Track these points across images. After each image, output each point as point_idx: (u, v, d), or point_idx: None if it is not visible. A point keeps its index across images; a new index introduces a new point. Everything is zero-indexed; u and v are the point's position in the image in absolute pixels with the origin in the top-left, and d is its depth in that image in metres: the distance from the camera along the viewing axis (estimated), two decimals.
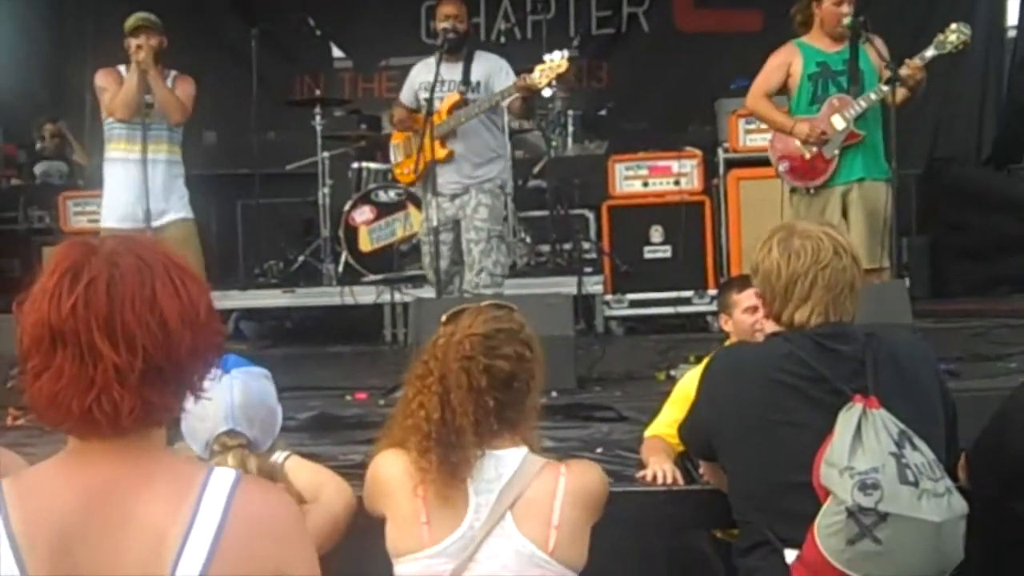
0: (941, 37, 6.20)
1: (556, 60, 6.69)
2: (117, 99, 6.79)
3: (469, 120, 6.92)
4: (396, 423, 3.07)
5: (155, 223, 6.80)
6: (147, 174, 6.75)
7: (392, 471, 3.01)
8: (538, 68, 6.71)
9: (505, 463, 2.95)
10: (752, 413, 3.06)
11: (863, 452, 2.83)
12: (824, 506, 2.85)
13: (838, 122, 6.25)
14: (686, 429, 3.44)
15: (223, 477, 1.83)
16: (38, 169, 10.66)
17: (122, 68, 6.85)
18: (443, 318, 3.11)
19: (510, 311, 3.11)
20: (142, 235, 1.96)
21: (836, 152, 6.28)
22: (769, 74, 6.50)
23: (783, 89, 6.53)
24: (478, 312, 3.06)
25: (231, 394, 2.93)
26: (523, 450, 3.00)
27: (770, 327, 3.23)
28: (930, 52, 6.21)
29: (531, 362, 3.02)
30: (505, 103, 6.97)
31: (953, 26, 6.21)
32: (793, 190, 6.47)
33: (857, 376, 3.00)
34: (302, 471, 3.24)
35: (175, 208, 6.97)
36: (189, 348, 1.82)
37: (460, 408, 2.92)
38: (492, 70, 7.07)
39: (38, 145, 10.76)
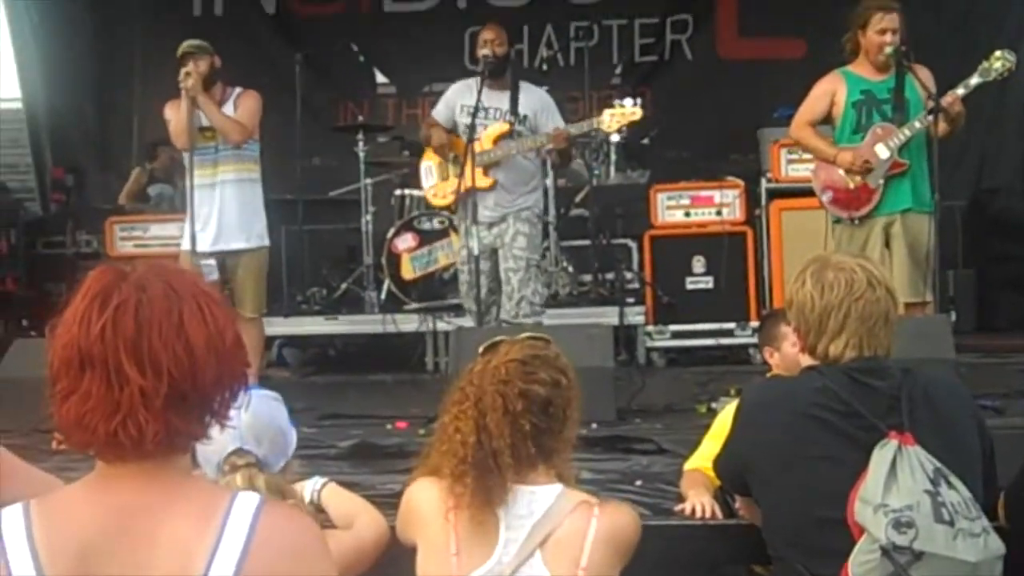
0: (986, 64, 6.17)
1: (629, 108, 6.72)
2: (174, 131, 6.90)
3: (517, 153, 6.94)
4: (433, 450, 3.08)
5: (228, 246, 6.90)
6: (214, 197, 6.86)
7: (425, 500, 3.01)
8: (608, 112, 6.74)
9: (538, 499, 2.94)
10: (785, 448, 3.04)
11: (898, 489, 2.80)
12: (858, 543, 2.82)
13: (882, 151, 6.22)
14: (720, 463, 3.42)
15: (247, 501, 1.85)
16: (152, 191, 10.69)
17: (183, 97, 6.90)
18: (480, 349, 3.13)
19: (547, 342, 3.12)
20: (172, 262, 1.98)
21: (880, 181, 6.24)
22: (813, 102, 6.47)
23: (827, 118, 6.50)
24: (515, 343, 3.07)
25: (238, 414, 2.94)
26: (558, 487, 2.99)
27: (804, 360, 3.21)
28: (974, 80, 6.18)
29: (567, 390, 3.02)
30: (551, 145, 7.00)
31: (997, 53, 6.18)
32: (837, 220, 6.43)
33: (892, 412, 2.97)
34: (338, 499, 3.25)
35: (254, 235, 7.04)
36: (214, 375, 1.85)
37: (496, 431, 2.92)
38: (539, 107, 7.10)
39: (147, 166, 10.81)
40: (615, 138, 7.45)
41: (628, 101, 6.82)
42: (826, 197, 6.43)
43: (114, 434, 1.79)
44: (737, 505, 3.59)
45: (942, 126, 6.11)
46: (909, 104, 6.27)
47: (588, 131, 6.95)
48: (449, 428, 3.02)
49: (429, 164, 7.49)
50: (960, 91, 6.12)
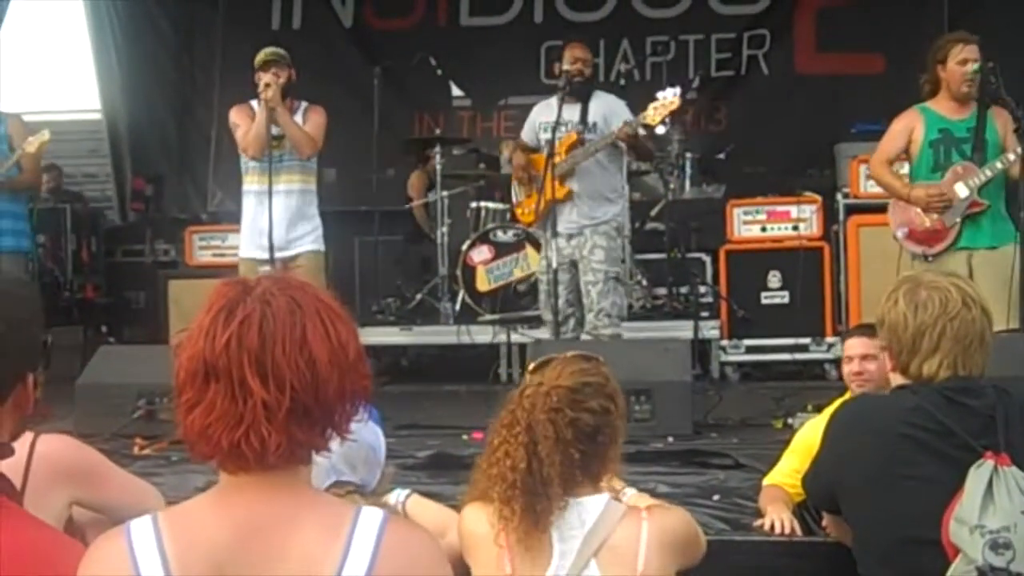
0: None
1: (669, 98, 6.72)
2: (247, 137, 6.88)
3: (586, 159, 6.97)
4: (480, 471, 3.07)
5: (285, 252, 6.87)
6: (273, 205, 6.82)
7: (476, 525, 3.01)
8: (651, 106, 6.75)
9: (587, 510, 2.93)
10: (878, 467, 3.02)
11: (995, 510, 2.78)
12: (953, 564, 2.81)
13: (961, 190, 6.14)
14: (809, 480, 3.40)
15: (372, 515, 1.88)
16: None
17: (255, 103, 6.92)
18: (530, 367, 3.13)
19: (597, 363, 3.09)
20: (295, 276, 1.99)
21: (957, 220, 6.16)
22: (891, 139, 6.40)
23: (906, 154, 6.44)
24: (565, 363, 3.05)
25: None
26: (604, 496, 2.99)
27: (897, 380, 3.19)
28: None
29: (615, 416, 3.01)
30: (622, 143, 6.99)
31: None
32: (914, 256, 6.37)
33: (987, 432, 2.94)
34: (425, 511, 3.27)
35: (307, 239, 7.01)
36: (336, 389, 1.87)
37: (548, 459, 2.91)
38: (609, 110, 7.12)
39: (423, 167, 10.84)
40: (660, 130, 7.42)
41: (669, 91, 6.81)
42: (901, 233, 6.35)
43: (237, 445, 1.82)
44: (824, 523, 3.57)
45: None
46: (988, 145, 6.17)
47: (636, 129, 6.90)
48: (499, 452, 3.00)
49: (516, 184, 7.56)
50: None
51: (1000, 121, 6.15)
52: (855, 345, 4.51)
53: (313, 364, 1.84)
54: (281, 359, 1.82)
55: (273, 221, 6.81)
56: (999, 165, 6.10)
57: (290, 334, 1.84)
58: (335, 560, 1.82)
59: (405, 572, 1.85)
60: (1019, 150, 6.02)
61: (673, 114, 6.97)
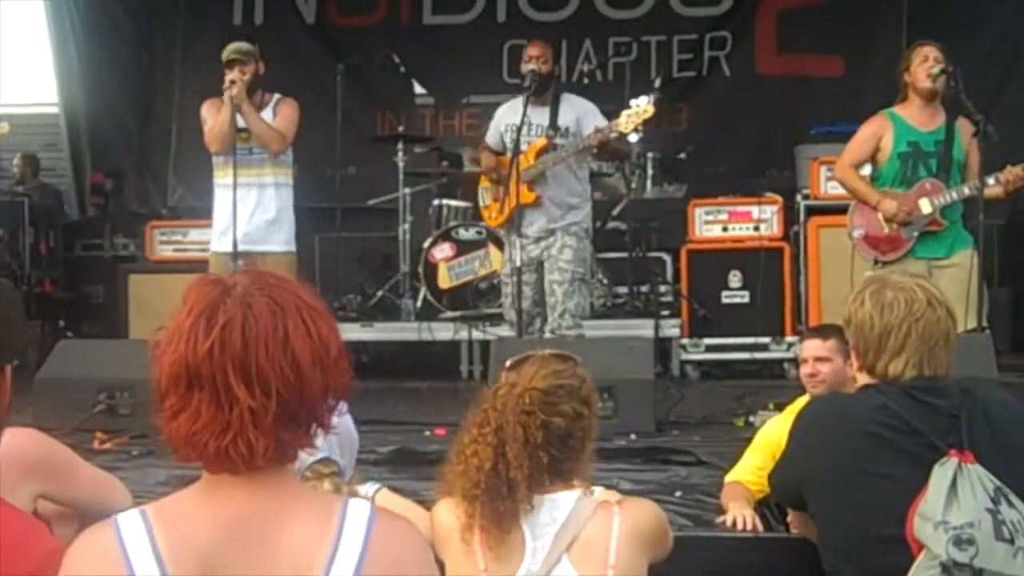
0: None
1: (643, 106, 6.72)
2: (211, 133, 6.84)
3: (557, 165, 6.97)
4: (450, 467, 3.09)
5: (254, 247, 6.82)
6: (243, 199, 6.82)
7: (449, 520, 3.02)
8: (624, 113, 6.76)
9: (559, 506, 2.96)
10: (845, 464, 3.06)
11: (958, 507, 2.83)
12: (918, 560, 2.84)
13: (925, 206, 6.19)
14: (776, 477, 3.44)
15: (360, 510, 1.88)
16: None
17: (224, 102, 6.84)
18: (507, 364, 3.14)
19: (573, 364, 3.11)
20: (274, 272, 1.98)
21: (915, 235, 6.24)
22: (859, 144, 6.44)
23: (872, 160, 6.49)
24: (540, 364, 3.06)
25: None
26: (575, 492, 3.01)
27: (863, 379, 3.23)
28: None
29: (587, 419, 3.03)
30: (594, 149, 7.01)
31: None
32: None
33: (952, 431, 2.99)
34: (393, 504, 3.27)
35: (279, 239, 6.97)
36: (320, 388, 1.86)
37: (515, 461, 2.93)
38: (580, 114, 7.10)
39: None
40: (633, 137, 7.45)
41: (643, 99, 6.82)
42: (857, 234, 6.41)
43: (224, 451, 1.81)
44: (789, 519, 3.61)
45: (995, 191, 6.13)
46: (953, 162, 6.24)
47: (608, 136, 6.91)
48: (467, 449, 3.03)
49: (485, 186, 7.61)
50: (1019, 170, 6.10)
51: (965, 136, 6.23)
52: (809, 348, 4.56)
53: (297, 365, 1.83)
54: (265, 363, 1.81)
55: (243, 215, 6.79)
56: (966, 191, 6.17)
57: (273, 336, 1.82)
58: (325, 554, 1.82)
59: (394, 564, 1.85)
60: (990, 181, 6.10)
61: (646, 122, 6.97)
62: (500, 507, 2.93)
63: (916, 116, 6.32)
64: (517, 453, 2.94)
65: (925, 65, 6.23)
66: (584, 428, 3.02)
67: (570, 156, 6.99)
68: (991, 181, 6.12)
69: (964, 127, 6.24)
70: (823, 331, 4.57)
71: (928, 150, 6.26)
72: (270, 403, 1.80)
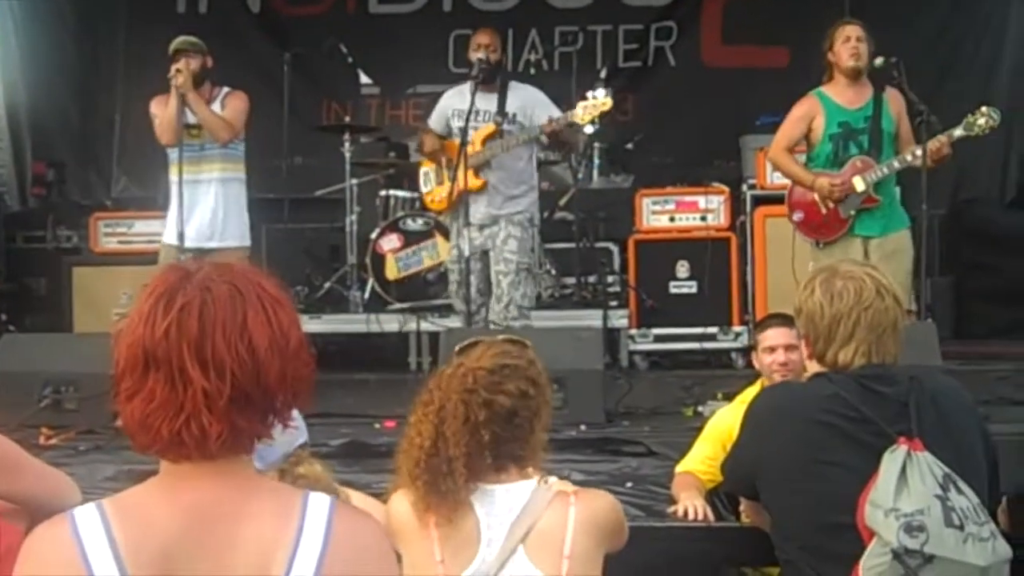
0: (971, 119, 6.22)
1: (600, 98, 6.75)
2: (161, 125, 6.88)
3: (504, 152, 6.98)
4: (399, 450, 3.11)
5: (207, 244, 6.86)
6: (199, 195, 6.89)
7: (404, 512, 3.04)
8: (580, 105, 6.79)
9: (515, 496, 2.97)
10: (796, 453, 3.09)
11: (908, 494, 2.86)
12: (869, 547, 2.88)
13: (859, 184, 6.27)
14: (729, 467, 3.46)
15: (321, 502, 1.88)
16: None
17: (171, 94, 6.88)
18: (456, 348, 3.15)
19: (523, 347, 3.13)
20: (239, 262, 1.98)
21: (852, 213, 6.30)
22: (791, 127, 6.53)
23: (805, 141, 6.56)
24: (489, 346, 3.09)
25: None
26: (532, 483, 3.02)
27: (813, 367, 3.26)
28: (958, 132, 6.23)
29: (535, 399, 3.04)
30: (546, 138, 7.03)
31: (984, 109, 6.23)
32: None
33: (901, 418, 3.02)
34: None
35: (233, 235, 7.04)
36: (278, 376, 1.85)
37: (453, 439, 2.95)
38: (528, 101, 7.13)
39: None
40: (589, 129, 7.49)
41: (600, 92, 6.85)
42: (796, 217, 6.49)
43: (178, 435, 1.80)
44: (742, 508, 3.64)
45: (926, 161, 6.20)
46: (883, 135, 6.33)
47: (563, 126, 6.94)
48: (411, 431, 3.05)
49: (427, 170, 7.59)
50: (943, 138, 6.19)
51: (895, 107, 6.32)
52: (778, 336, 4.56)
53: (254, 352, 1.82)
54: (221, 347, 1.80)
55: (197, 212, 6.88)
56: (896, 165, 6.26)
57: (231, 321, 1.82)
58: (287, 547, 1.81)
59: (356, 558, 1.85)
60: (918, 152, 6.17)
61: (603, 115, 6.99)
62: (441, 486, 2.94)
63: (843, 94, 6.41)
64: (456, 431, 2.95)
65: (848, 45, 6.34)
66: (532, 409, 3.02)
67: (519, 144, 7.01)
68: (918, 152, 6.19)
69: (892, 98, 6.34)
70: (787, 319, 4.55)
71: (858, 127, 6.36)
72: (224, 386, 1.79)
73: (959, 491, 2.89)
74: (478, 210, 7.02)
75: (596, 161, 9.92)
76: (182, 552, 1.80)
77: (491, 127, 7.04)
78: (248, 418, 1.84)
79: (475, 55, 7.09)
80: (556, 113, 6.97)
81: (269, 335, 1.85)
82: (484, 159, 6.99)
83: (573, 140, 7.65)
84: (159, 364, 1.80)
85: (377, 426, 5.94)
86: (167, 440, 1.81)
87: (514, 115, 7.08)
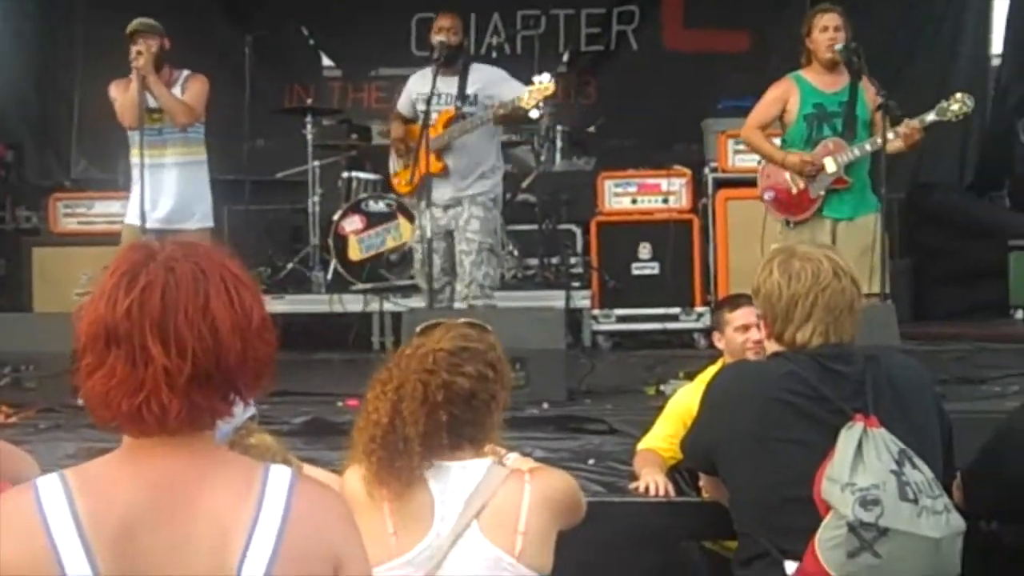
0: (944, 104, 6.23)
1: (544, 83, 6.77)
2: (122, 107, 6.86)
3: (463, 135, 7.00)
4: (355, 426, 3.12)
5: (170, 226, 6.84)
6: (160, 179, 6.88)
7: (356, 486, 3.05)
8: (526, 89, 6.81)
9: (470, 473, 2.99)
10: (753, 430, 3.14)
11: (864, 469, 2.92)
12: (825, 520, 2.93)
13: (829, 165, 6.29)
14: (689, 443, 3.51)
15: (281, 475, 1.89)
16: None
17: (132, 76, 6.85)
18: (417, 330, 3.18)
19: (483, 331, 3.16)
20: (203, 242, 2.00)
21: (821, 193, 6.34)
22: (765, 107, 6.53)
23: (779, 123, 6.59)
24: (449, 328, 3.11)
25: None
26: (487, 460, 3.05)
27: (771, 347, 3.30)
28: (931, 117, 6.24)
29: (494, 383, 3.06)
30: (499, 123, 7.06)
31: (958, 95, 6.24)
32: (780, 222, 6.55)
33: (857, 396, 3.08)
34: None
35: (196, 217, 7.03)
36: (239, 355, 1.86)
37: (411, 418, 2.96)
38: (488, 81, 7.15)
39: None
40: (535, 114, 7.53)
41: (545, 76, 6.85)
42: (768, 196, 6.52)
43: (138, 411, 1.81)
44: (701, 483, 3.68)
45: (896, 145, 6.22)
46: (858, 121, 6.36)
47: (510, 111, 6.97)
48: (368, 407, 3.06)
49: (394, 155, 7.56)
50: (916, 123, 6.23)
51: (870, 95, 6.34)
52: (750, 314, 4.55)
53: (215, 331, 1.83)
54: (183, 325, 1.82)
55: (158, 195, 6.87)
56: (868, 148, 6.28)
57: (193, 301, 1.83)
58: (247, 520, 1.83)
59: (316, 531, 1.87)
60: (889, 136, 6.21)
61: (547, 99, 7.02)
62: (396, 463, 2.96)
63: (820, 78, 6.43)
64: (414, 410, 2.97)
65: (825, 35, 6.34)
66: (490, 392, 3.04)
67: (477, 127, 7.03)
68: (891, 136, 6.23)
69: (870, 88, 6.36)
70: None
71: (833, 110, 6.37)
72: (185, 364, 1.81)
73: (914, 466, 2.95)
74: (441, 192, 7.03)
75: (559, 144, 9.92)
76: (143, 523, 1.82)
77: (451, 111, 7.05)
78: (208, 396, 1.85)
79: (436, 38, 7.10)
80: (517, 87, 6.99)
81: (231, 315, 1.86)
82: (443, 143, 7.00)
83: (524, 120, 7.69)
84: (120, 341, 1.81)
85: (340, 404, 5.94)
86: (127, 416, 1.82)
87: (475, 96, 7.09)
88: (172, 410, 1.82)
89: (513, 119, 7.27)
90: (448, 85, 7.10)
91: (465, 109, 7.08)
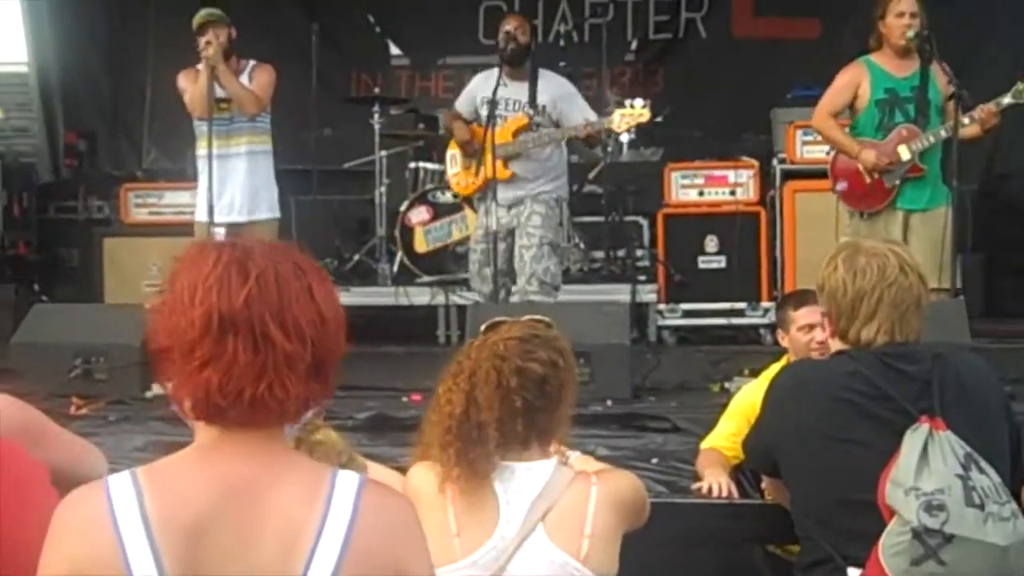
0: (1020, 87, 6.13)
1: (638, 108, 6.74)
2: (192, 98, 6.92)
3: (537, 147, 6.97)
4: (426, 423, 3.12)
5: (241, 218, 6.93)
6: (230, 169, 6.94)
7: (422, 483, 3.04)
8: (618, 112, 6.79)
9: (535, 475, 2.97)
10: (816, 431, 3.09)
11: (929, 473, 2.85)
12: (889, 526, 2.87)
13: (904, 153, 6.19)
14: (750, 444, 3.46)
15: (349, 479, 1.91)
16: None
17: (201, 67, 6.90)
18: (482, 327, 3.17)
19: (548, 325, 3.15)
20: (282, 242, 2.04)
21: (897, 182, 6.24)
22: (836, 93, 6.42)
23: (850, 108, 6.49)
24: (516, 322, 3.11)
25: None
26: (552, 461, 3.03)
27: (835, 345, 3.25)
28: (1006, 100, 6.13)
29: (564, 371, 3.04)
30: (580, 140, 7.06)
31: None
32: (851, 214, 6.45)
33: (923, 396, 3.02)
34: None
35: (264, 207, 7.10)
36: (337, 344, 1.92)
37: (485, 404, 2.95)
38: (558, 95, 7.11)
39: None
40: (625, 138, 7.51)
41: (639, 102, 6.83)
42: (840, 187, 6.41)
43: (261, 398, 1.84)
44: (764, 485, 3.64)
45: (973, 129, 6.12)
46: (930, 105, 6.25)
47: (599, 132, 6.94)
48: (441, 399, 3.05)
49: (453, 153, 7.53)
50: (991, 107, 6.11)
51: (942, 81, 6.23)
52: (815, 313, 4.47)
53: (324, 320, 1.89)
54: (299, 312, 1.86)
55: (228, 185, 6.93)
56: (943, 133, 6.17)
57: (301, 289, 1.88)
58: (314, 524, 1.84)
59: (384, 535, 1.88)
60: (965, 120, 6.09)
61: (639, 125, 6.98)
62: (471, 453, 2.94)
63: (891, 63, 6.32)
64: (488, 395, 2.96)
65: (901, 21, 6.22)
66: (560, 379, 3.02)
67: (552, 142, 7.02)
68: (966, 121, 6.12)
69: (940, 71, 6.25)
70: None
71: (905, 95, 6.26)
72: (305, 350, 1.86)
73: (980, 470, 2.88)
74: (506, 193, 7.02)
75: (625, 135, 9.86)
76: (213, 523, 1.83)
77: (524, 119, 7.01)
78: (321, 384, 1.90)
79: (503, 39, 7.10)
80: (585, 109, 6.97)
81: (332, 305, 1.92)
82: (514, 152, 6.98)
83: (603, 140, 7.68)
84: (239, 330, 1.84)
85: (404, 399, 5.95)
86: (249, 403, 1.84)
87: (543, 107, 7.06)
88: (293, 395, 1.86)
89: (595, 141, 7.25)
90: (518, 90, 7.08)
91: (536, 119, 7.04)
